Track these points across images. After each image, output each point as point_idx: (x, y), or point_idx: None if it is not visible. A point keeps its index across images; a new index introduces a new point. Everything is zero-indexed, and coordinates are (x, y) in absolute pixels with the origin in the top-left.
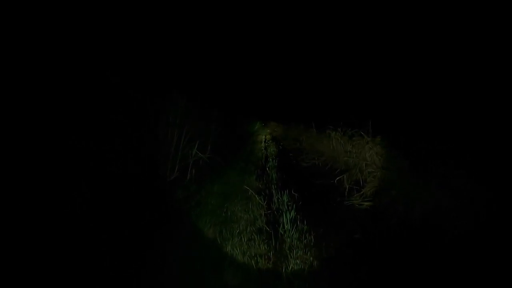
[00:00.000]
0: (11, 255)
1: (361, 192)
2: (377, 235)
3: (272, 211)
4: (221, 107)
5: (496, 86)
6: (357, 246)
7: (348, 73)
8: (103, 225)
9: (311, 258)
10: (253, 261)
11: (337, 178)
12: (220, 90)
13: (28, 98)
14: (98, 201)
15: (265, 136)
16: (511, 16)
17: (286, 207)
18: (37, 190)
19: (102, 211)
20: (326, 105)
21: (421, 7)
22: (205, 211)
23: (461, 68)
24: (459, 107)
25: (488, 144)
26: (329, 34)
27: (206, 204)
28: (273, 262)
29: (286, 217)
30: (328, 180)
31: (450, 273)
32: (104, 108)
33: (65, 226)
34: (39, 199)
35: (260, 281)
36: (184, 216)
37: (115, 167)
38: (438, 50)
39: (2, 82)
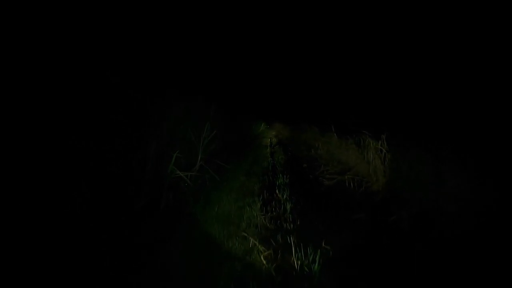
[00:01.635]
0: (11, 255)
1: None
2: None
3: None
4: (218, 104)
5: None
6: None
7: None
8: (103, 225)
9: None
10: None
11: (393, 218)
12: (216, 85)
13: (27, 98)
14: (98, 201)
15: (270, 140)
16: (511, 16)
17: None
18: (37, 190)
19: (102, 211)
20: (352, 102)
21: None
22: None
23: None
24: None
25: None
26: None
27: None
28: None
29: None
30: (369, 213)
31: (450, 273)
32: (104, 108)
33: (65, 226)
34: (38, 199)
35: None
36: None
37: (115, 167)
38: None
39: (2, 82)
